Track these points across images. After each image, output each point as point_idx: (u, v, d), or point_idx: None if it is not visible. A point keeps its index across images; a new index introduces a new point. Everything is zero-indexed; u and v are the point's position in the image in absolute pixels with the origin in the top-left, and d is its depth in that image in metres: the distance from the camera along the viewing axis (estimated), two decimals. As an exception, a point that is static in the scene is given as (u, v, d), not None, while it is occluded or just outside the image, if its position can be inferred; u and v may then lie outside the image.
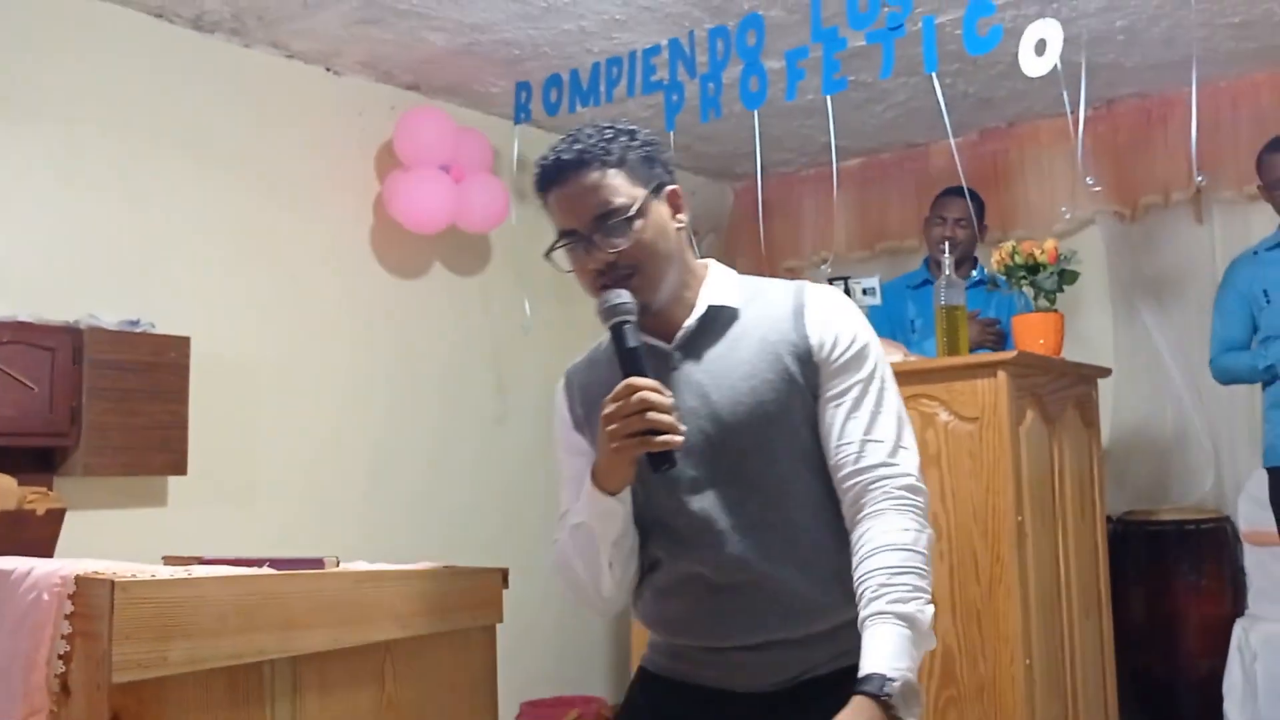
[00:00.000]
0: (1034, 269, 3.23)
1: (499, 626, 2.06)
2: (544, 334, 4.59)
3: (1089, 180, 4.24)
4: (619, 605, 1.69)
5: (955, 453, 2.97)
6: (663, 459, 1.46)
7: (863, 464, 1.54)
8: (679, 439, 1.45)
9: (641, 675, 1.74)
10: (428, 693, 1.91)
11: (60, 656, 1.50)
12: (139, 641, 1.47)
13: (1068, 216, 4.43)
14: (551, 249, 1.60)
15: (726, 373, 1.57)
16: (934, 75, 3.22)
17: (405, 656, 1.87)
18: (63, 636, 1.50)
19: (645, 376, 1.46)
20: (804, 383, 1.57)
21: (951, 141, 3.56)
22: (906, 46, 3.29)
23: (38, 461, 3.15)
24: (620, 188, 1.54)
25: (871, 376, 1.58)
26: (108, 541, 3.05)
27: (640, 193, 1.55)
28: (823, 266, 3.79)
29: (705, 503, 1.57)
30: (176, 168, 3.61)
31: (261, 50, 3.85)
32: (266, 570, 1.76)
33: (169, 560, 1.96)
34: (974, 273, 3.92)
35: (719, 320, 1.61)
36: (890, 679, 1.38)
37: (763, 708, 1.58)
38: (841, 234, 5.22)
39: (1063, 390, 3.24)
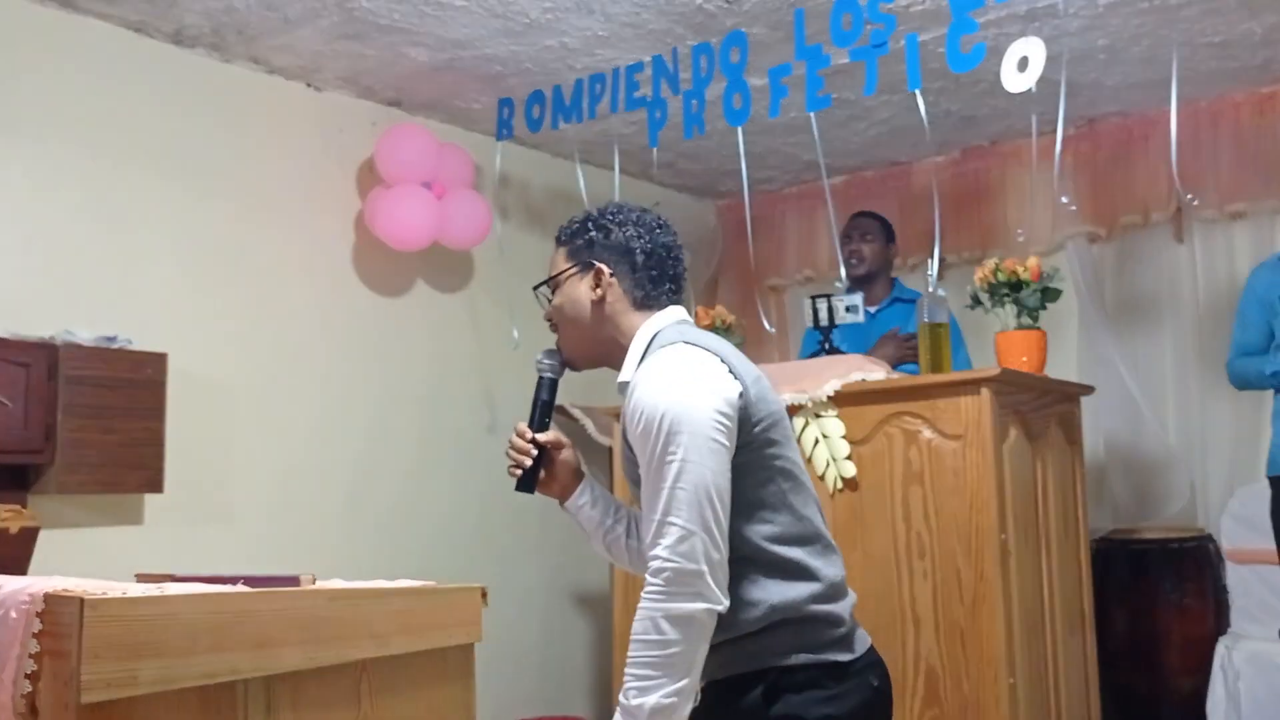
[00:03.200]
0: (1017, 286, 3.24)
1: (478, 646, 2.03)
2: (529, 351, 4.55)
3: (1064, 199, 4.25)
4: (627, 567, 1.97)
5: (939, 470, 2.97)
6: (517, 482, 1.90)
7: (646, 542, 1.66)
8: (516, 470, 1.89)
9: None
10: (405, 713, 1.88)
11: (27, 676, 1.46)
12: (109, 660, 1.44)
13: (1021, 239, 4.42)
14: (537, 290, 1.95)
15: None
16: (918, 93, 3.23)
17: (382, 676, 1.84)
18: (30, 655, 1.46)
19: (536, 420, 1.90)
20: (632, 456, 1.75)
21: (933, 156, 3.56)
22: (890, 64, 3.29)
23: (12, 479, 3.11)
24: (557, 263, 1.87)
25: (654, 454, 1.64)
26: (83, 560, 3.00)
27: (567, 266, 1.84)
28: (836, 284, 3.77)
29: None
30: (155, 183, 3.58)
31: (241, 65, 3.83)
32: (240, 588, 1.73)
33: (142, 578, 1.94)
34: (891, 291, 3.99)
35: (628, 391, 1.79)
36: None
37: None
38: (824, 252, 5.23)
39: (1046, 408, 3.24)
